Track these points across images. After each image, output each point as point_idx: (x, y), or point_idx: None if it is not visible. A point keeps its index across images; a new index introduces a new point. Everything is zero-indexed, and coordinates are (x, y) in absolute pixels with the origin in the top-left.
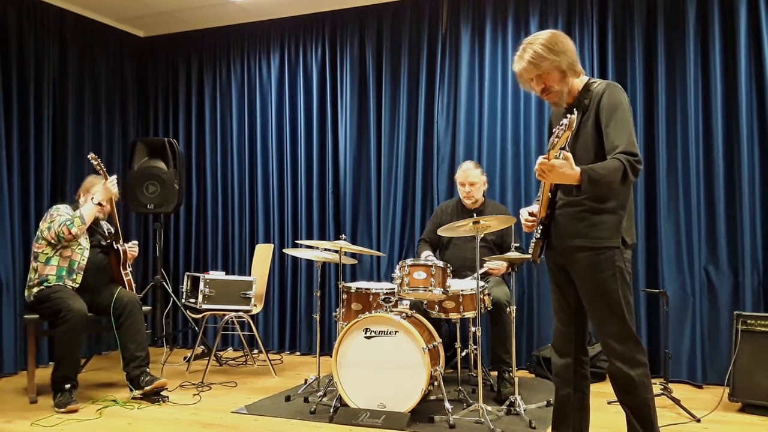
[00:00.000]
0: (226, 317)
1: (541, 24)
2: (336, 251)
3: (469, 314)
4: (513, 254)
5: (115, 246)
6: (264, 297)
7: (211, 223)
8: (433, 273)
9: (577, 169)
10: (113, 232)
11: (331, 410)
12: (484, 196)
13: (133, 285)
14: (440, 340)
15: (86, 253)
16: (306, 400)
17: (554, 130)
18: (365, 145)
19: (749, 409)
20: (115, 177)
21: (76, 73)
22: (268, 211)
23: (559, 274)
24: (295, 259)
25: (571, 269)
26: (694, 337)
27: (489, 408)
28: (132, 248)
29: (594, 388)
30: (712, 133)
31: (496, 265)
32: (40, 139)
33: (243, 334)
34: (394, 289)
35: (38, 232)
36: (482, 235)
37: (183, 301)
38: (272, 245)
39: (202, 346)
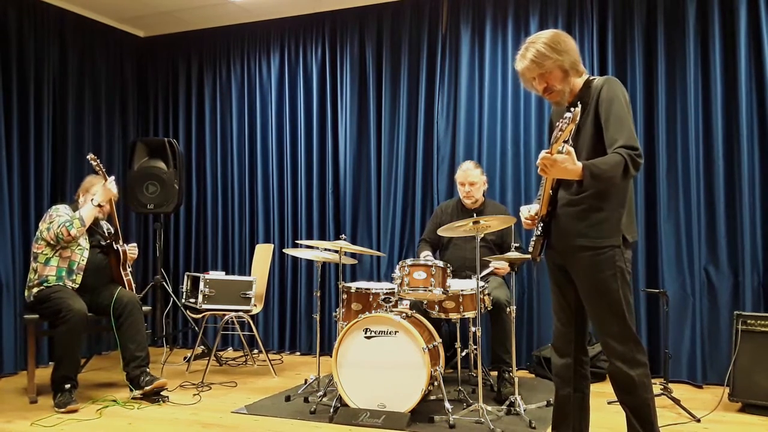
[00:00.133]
0: (226, 317)
1: (541, 24)
2: (336, 251)
3: (469, 314)
4: (513, 254)
5: (114, 246)
6: (264, 297)
7: (211, 223)
8: (433, 273)
9: (579, 164)
10: (113, 232)
11: (331, 410)
12: (484, 196)
13: (133, 285)
14: (440, 340)
15: (86, 254)
16: (306, 400)
17: (557, 124)
18: (365, 145)
19: (749, 409)
20: (113, 178)
21: (76, 73)
22: (268, 211)
23: (559, 274)
24: (295, 259)
25: (572, 269)
26: (694, 337)
27: (489, 408)
28: (131, 250)
29: (594, 388)
30: (712, 133)
31: (502, 264)
32: (40, 139)
33: (243, 334)
34: (394, 289)
35: (38, 233)
36: (482, 235)
37: (183, 301)
38: (272, 245)
39: (202, 346)
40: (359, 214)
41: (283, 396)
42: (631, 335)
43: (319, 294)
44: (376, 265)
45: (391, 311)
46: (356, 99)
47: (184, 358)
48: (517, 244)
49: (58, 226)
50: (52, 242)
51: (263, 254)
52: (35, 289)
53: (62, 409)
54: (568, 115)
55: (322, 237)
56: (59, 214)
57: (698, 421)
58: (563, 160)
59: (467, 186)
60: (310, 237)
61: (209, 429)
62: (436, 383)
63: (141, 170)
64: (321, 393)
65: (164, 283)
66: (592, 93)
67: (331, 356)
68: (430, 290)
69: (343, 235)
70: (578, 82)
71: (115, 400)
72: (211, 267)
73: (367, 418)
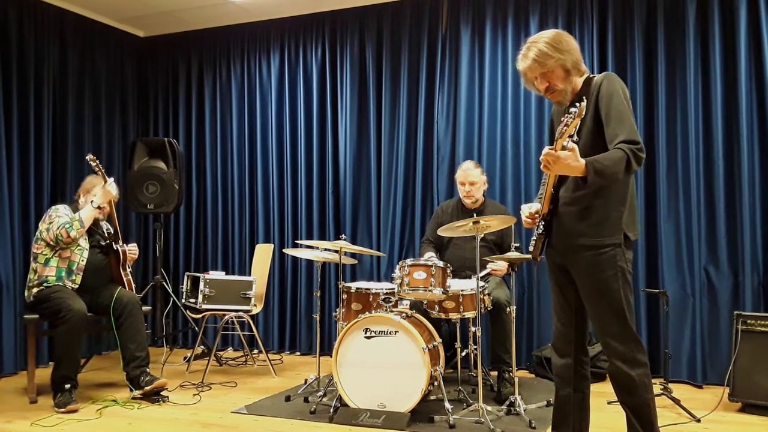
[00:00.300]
0: (226, 317)
1: (541, 24)
2: (336, 251)
3: (469, 314)
4: (513, 254)
5: (114, 246)
6: (264, 297)
7: (211, 223)
8: (433, 273)
9: (582, 161)
10: (112, 232)
11: (331, 410)
12: (484, 196)
13: (133, 285)
14: (440, 340)
15: (85, 254)
16: (306, 400)
17: (562, 119)
18: (365, 145)
19: (749, 409)
20: (113, 179)
21: (76, 73)
22: (268, 211)
23: (559, 274)
24: (295, 259)
25: (572, 269)
26: (694, 337)
27: (489, 408)
28: (131, 250)
29: (594, 388)
30: (712, 133)
31: (499, 266)
32: (40, 139)
33: (243, 334)
34: (394, 289)
35: (37, 233)
36: (482, 235)
37: (183, 301)
38: (272, 245)
39: (202, 346)
40: (359, 214)
41: (283, 396)
42: (632, 335)
43: (319, 294)
44: (376, 265)
45: (391, 311)
46: (356, 99)
47: (184, 358)
48: (516, 244)
49: (58, 228)
50: (51, 243)
51: (263, 254)
52: (35, 290)
53: (62, 409)
54: (573, 110)
55: (322, 237)
56: (58, 215)
57: (698, 421)
58: (566, 157)
59: (467, 186)
60: (310, 237)
61: (209, 429)
62: (436, 383)
63: (141, 170)
64: (321, 393)
65: (164, 283)
66: (592, 89)
67: (331, 356)
68: (430, 290)
69: (343, 235)
70: (579, 81)
71: (115, 400)
72: (211, 267)
73: (367, 418)
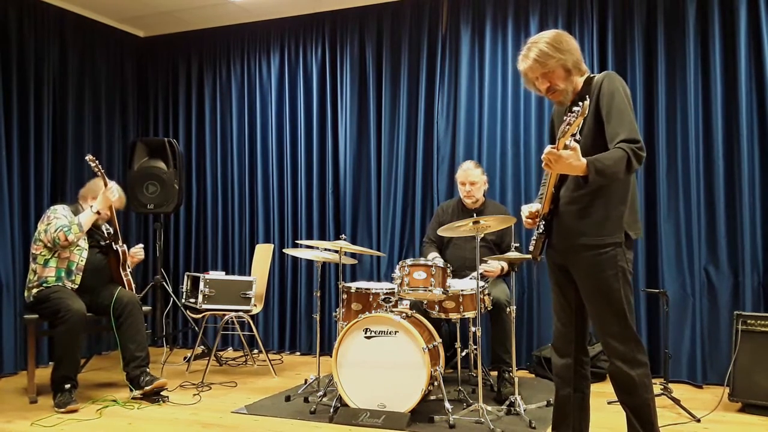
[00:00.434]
0: (226, 317)
1: (541, 24)
2: (336, 251)
3: (469, 314)
4: (512, 254)
5: (114, 246)
6: (264, 297)
7: (211, 223)
8: (433, 273)
9: (584, 160)
10: (112, 232)
11: (331, 410)
12: (484, 196)
13: (133, 285)
14: (440, 340)
15: (84, 254)
16: (306, 400)
17: (565, 117)
18: (365, 145)
19: (749, 409)
20: (114, 184)
21: (76, 73)
22: (268, 211)
23: (559, 274)
24: (295, 259)
25: (573, 268)
26: (694, 337)
27: (489, 408)
28: (138, 252)
29: (594, 388)
30: (712, 133)
31: (491, 267)
32: (40, 139)
33: (243, 334)
34: (394, 289)
35: (36, 234)
36: (482, 235)
37: (183, 301)
38: (272, 245)
39: (202, 346)
40: (359, 214)
41: (283, 396)
42: (632, 335)
43: (319, 294)
44: (376, 265)
45: (391, 311)
46: (356, 99)
47: (184, 358)
48: (516, 244)
49: (56, 230)
50: (49, 244)
51: (263, 254)
52: (35, 290)
53: (62, 409)
54: (576, 109)
55: (322, 237)
56: (57, 216)
57: (698, 421)
58: (568, 156)
59: (468, 185)
60: (310, 237)
61: (209, 429)
62: (436, 383)
63: (141, 170)
64: (321, 393)
65: (164, 283)
66: (592, 88)
67: (331, 356)
68: (430, 290)
69: (343, 235)
70: (580, 80)
71: (115, 400)
72: (211, 267)
73: (367, 418)
